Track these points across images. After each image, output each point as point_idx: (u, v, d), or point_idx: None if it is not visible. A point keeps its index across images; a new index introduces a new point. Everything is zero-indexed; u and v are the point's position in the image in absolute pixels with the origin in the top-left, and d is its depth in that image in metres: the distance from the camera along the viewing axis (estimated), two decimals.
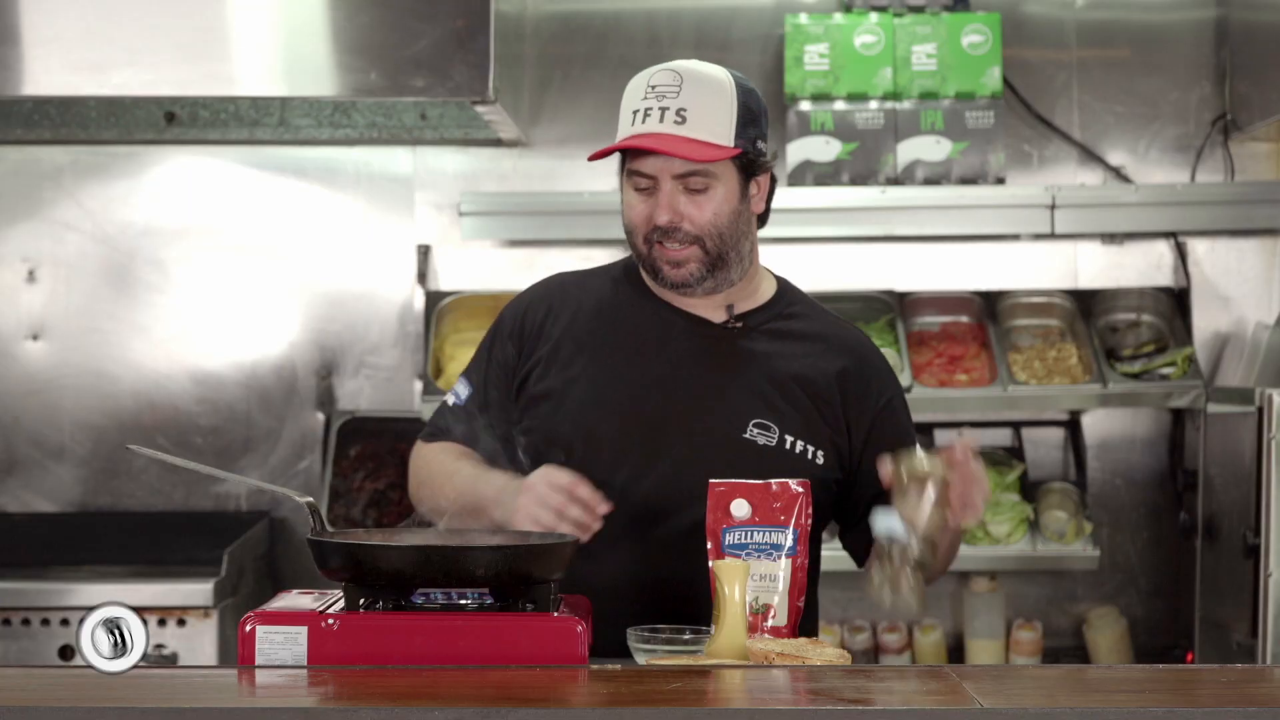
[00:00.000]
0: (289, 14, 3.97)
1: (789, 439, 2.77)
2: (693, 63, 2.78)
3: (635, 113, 2.73)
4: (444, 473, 2.85)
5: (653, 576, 2.74)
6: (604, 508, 2.58)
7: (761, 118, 2.78)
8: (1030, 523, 4.50)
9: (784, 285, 2.92)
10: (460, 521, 2.71)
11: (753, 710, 2.02)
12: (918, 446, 2.62)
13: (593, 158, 2.79)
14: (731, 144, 2.73)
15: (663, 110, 2.70)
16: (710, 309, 2.83)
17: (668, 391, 2.77)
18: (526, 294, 2.93)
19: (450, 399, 2.92)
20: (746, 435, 2.76)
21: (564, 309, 2.85)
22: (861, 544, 2.85)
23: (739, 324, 2.83)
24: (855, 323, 4.55)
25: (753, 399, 2.78)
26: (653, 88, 2.73)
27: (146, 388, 4.76)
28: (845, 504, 2.84)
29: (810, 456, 2.78)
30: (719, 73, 2.76)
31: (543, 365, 2.82)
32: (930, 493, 2.49)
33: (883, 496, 2.70)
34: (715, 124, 2.72)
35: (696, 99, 2.71)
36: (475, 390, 2.88)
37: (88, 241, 4.75)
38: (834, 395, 2.81)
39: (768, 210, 2.84)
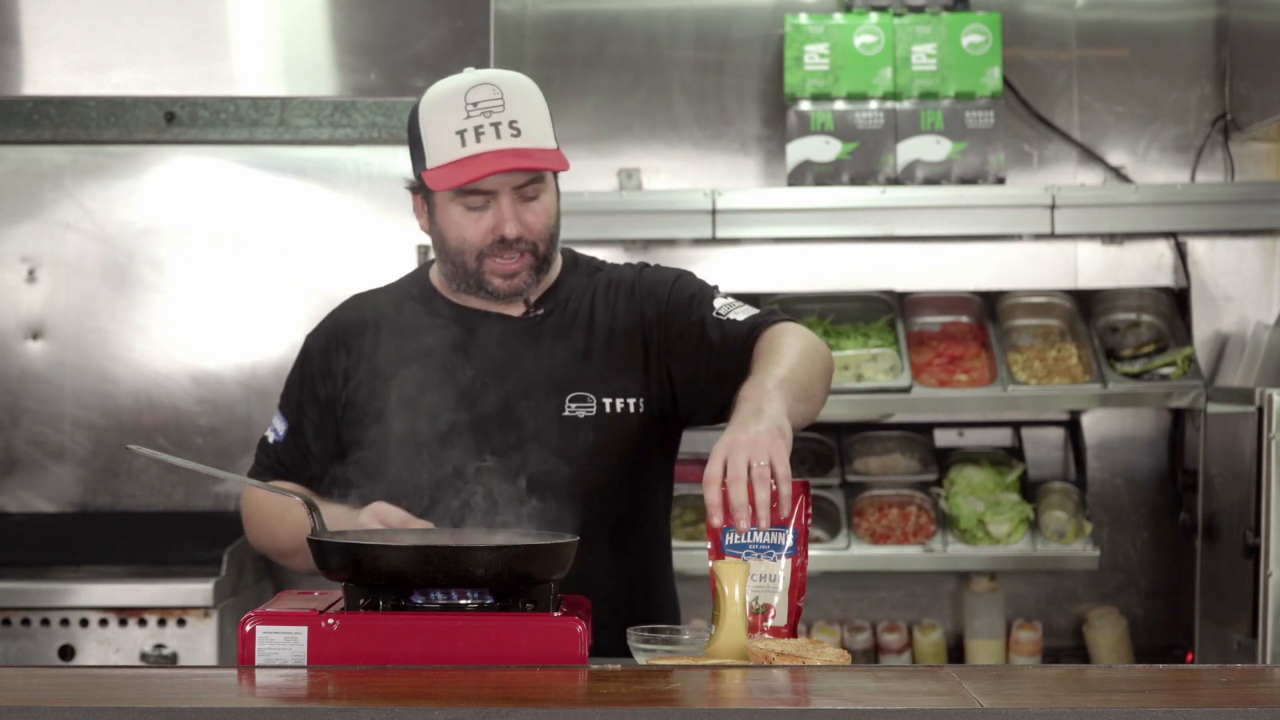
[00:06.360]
0: (289, 14, 3.97)
1: (607, 402, 2.76)
2: (496, 71, 2.74)
3: (461, 133, 2.67)
4: (275, 514, 2.82)
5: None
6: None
7: None
8: (1030, 523, 4.50)
9: (567, 256, 2.90)
10: (303, 561, 2.59)
11: (753, 710, 2.02)
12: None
13: (448, 187, 2.69)
14: (554, 146, 2.73)
15: (495, 125, 2.66)
16: (507, 304, 2.81)
17: (481, 397, 2.74)
18: (326, 322, 2.92)
19: (270, 435, 2.89)
20: (566, 413, 2.75)
21: (363, 334, 2.83)
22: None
23: (539, 311, 2.81)
24: (855, 323, 4.61)
25: (563, 376, 2.76)
26: (474, 104, 2.68)
27: (146, 388, 4.76)
28: (704, 397, 2.78)
29: (633, 410, 2.77)
30: (523, 78, 2.74)
31: (355, 393, 2.80)
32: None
33: (729, 353, 2.69)
34: (542, 130, 2.72)
35: (522, 109, 2.69)
36: (292, 426, 2.87)
37: (88, 241, 4.75)
38: (635, 321, 2.80)
39: None
